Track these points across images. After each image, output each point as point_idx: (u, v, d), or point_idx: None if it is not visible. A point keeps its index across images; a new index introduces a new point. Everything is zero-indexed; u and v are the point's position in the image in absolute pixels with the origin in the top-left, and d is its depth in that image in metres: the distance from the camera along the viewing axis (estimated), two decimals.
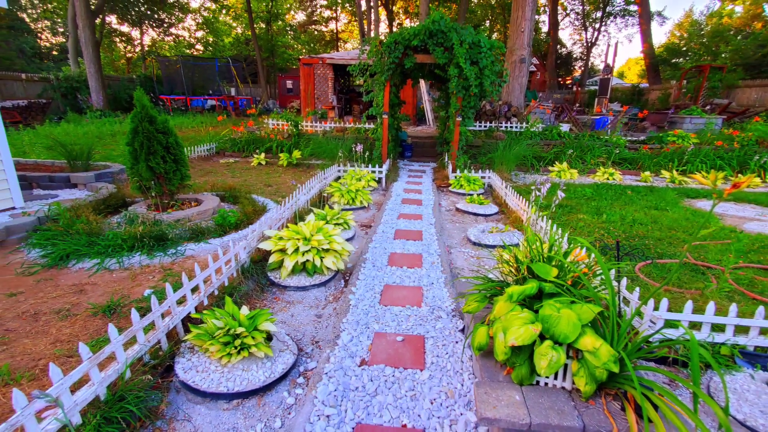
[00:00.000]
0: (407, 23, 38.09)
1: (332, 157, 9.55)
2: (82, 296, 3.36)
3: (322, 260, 3.99)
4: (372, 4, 24.71)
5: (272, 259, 4.03)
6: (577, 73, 39.73)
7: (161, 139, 4.89)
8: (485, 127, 13.38)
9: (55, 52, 34.45)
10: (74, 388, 2.04)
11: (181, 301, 2.98)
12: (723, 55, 27.97)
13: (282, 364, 2.62)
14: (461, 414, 2.28)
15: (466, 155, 9.49)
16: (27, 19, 32.08)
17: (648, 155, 10.55)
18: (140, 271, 3.86)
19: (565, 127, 13.02)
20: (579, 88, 28.05)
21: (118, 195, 5.79)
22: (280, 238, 4.13)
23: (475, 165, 9.46)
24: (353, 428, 2.16)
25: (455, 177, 8.28)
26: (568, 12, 37.84)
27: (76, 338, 2.76)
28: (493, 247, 4.89)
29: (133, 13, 30.09)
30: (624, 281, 2.90)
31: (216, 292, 3.36)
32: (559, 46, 36.24)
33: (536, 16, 21.71)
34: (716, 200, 1.91)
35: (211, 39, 39.15)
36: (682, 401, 1.74)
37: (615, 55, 20.94)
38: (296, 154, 9.93)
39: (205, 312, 2.76)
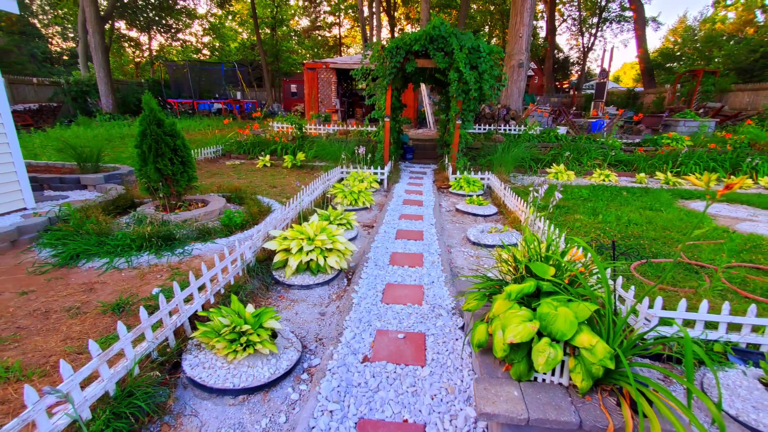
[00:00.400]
0: (408, 29, 38.10)
1: (335, 159, 9.57)
2: (92, 295, 3.37)
3: (325, 259, 4.00)
4: (374, 10, 24.74)
5: (277, 258, 4.04)
6: (574, 78, 39.70)
7: (169, 142, 4.90)
8: (484, 129, 13.36)
9: (65, 57, 34.54)
10: (84, 384, 2.05)
11: (188, 300, 2.99)
12: (716, 60, 27.89)
13: (286, 361, 2.62)
14: (461, 409, 2.28)
15: (466, 157, 9.49)
16: (38, 25, 32.20)
17: (643, 157, 10.53)
18: (148, 270, 3.87)
19: (562, 130, 13.00)
20: (576, 92, 28.03)
21: (126, 196, 5.81)
22: (285, 238, 4.13)
23: (474, 167, 9.46)
24: (356, 423, 2.17)
25: (455, 178, 8.27)
26: (565, 18, 37.79)
27: (86, 335, 2.77)
28: (492, 246, 4.89)
29: (141, 18, 30.13)
30: (620, 280, 2.90)
31: (222, 291, 3.37)
32: (556, 51, 36.19)
33: (534, 22, 21.69)
34: (709, 201, 1.91)
35: (217, 44, 39.20)
36: (676, 397, 1.74)
37: (611, 59, 20.88)
38: (300, 156, 9.94)
39: (211, 310, 2.77)
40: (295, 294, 3.77)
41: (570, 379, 2.11)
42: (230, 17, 37.79)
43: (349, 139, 11.66)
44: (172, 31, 34.31)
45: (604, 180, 8.92)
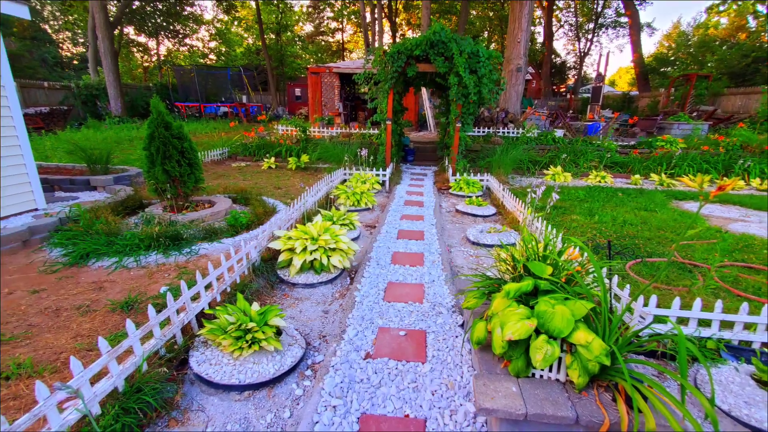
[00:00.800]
0: (410, 34, 38.10)
1: (338, 161, 9.56)
2: (102, 293, 3.38)
3: (329, 259, 4.00)
4: (376, 16, 24.78)
5: (282, 257, 4.04)
6: (571, 82, 39.65)
7: (176, 144, 4.91)
8: (483, 132, 13.36)
9: (75, 62, 34.64)
10: (94, 380, 2.05)
11: (195, 298, 2.99)
12: (709, 65, 27.87)
13: (291, 358, 2.62)
14: (461, 404, 2.28)
15: (466, 159, 9.47)
16: (49, 30, 32.27)
17: (638, 159, 10.51)
18: (156, 270, 3.88)
19: (559, 133, 12.97)
20: (572, 96, 28.03)
21: (135, 197, 5.81)
22: (289, 238, 4.14)
23: (474, 168, 9.45)
24: (358, 418, 2.17)
25: (455, 180, 8.27)
26: (562, 23, 37.80)
27: (95, 333, 2.78)
28: (491, 246, 4.89)
29: (149, 24, 30.20)
30: (615, 279, 2.89)
31: (228, 289, 3.37)
32: (553, 56, 36.14)
33: (532, 28, 21.68)
34: (703, 202, 1.90)
35: (223, 49, 39.27)
36: (670, 392, 1.74)
37: (606, 64, 20.92)
38: (304, 158, 9.95)
39: (218, 308, 2.77)
40: (299, 292, 3.77)
41: (567, 375, 2.11)
42: (236, 23, 37.91)
43: (351, 142, 11.67)
44: (180, 36, 34.40)
45: (600, 181, 8.90)
